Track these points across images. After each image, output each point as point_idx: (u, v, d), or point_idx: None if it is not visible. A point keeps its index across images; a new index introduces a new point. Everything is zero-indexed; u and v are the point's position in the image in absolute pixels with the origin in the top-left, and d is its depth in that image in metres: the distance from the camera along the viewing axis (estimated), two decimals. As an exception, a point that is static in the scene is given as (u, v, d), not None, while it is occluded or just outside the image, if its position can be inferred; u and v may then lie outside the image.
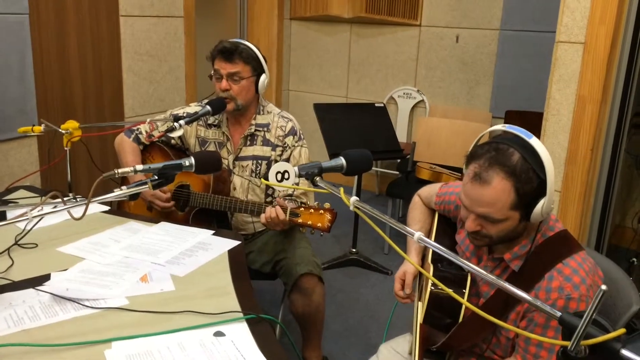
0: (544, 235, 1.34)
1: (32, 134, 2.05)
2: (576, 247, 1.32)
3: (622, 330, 0.74)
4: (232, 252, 1.75)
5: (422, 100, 4.49)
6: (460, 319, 1.36)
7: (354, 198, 1.16)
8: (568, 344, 0.75)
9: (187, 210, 2.20)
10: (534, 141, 1.25)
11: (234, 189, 2.24)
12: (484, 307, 1.37)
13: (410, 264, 1.59)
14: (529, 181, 1.23)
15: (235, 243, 1.81)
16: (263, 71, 2.19)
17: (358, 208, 1.15)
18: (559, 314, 0.79)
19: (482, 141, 1.35)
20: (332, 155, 3.01)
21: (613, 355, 0.73)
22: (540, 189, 1.24)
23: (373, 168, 4.66)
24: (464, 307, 1.36)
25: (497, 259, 1.41)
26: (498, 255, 1.40)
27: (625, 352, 0.72)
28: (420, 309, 1.43)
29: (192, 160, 1.41)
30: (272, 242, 2.21)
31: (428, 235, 1.61)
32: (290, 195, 2.16)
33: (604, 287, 0.71)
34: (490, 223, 1.29)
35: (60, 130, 2.01)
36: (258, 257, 2.24)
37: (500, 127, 1.35)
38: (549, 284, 1.27)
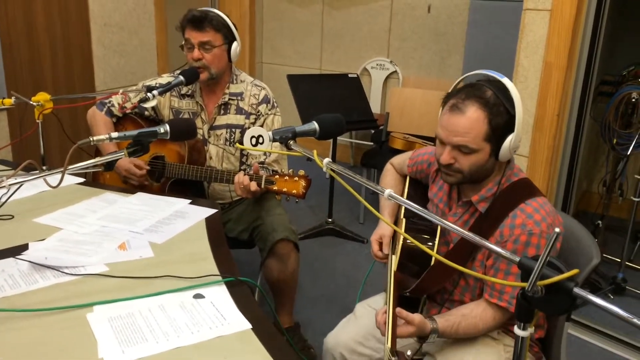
0: (508, 180, 1.45)
1: (3, 107, 2.03)
2: (538, 192, 1.44)
3: (575, 271, 0.79)
4: (209, 220, 1.78)
5: (395, 71, 4.51)
6: (432, 264, 1.45)
7: (327, 160, 1.20)
8: (526, 285, 0.81)
9: (162, 182, 2.21)
10: (505, 80, 1.36)
11: (210, 158, 2.25)
12: (453, 251, 1.48)
13: (385, 226, 1.67)
14: (500, 114, 1.35)
15: (212, 211, 1.84)
16: (234, 39, 2.19)
17: (332, 170, 1.19)
18: (517, 258, 0.84)
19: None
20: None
21: (567, 294, 0.79)
22: (509, 124, 1.35)
23: (347, 139, 4.70)
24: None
25: (466, 203, 1.51)
26: (466, 198, 1.50)
27: (577, 290, 0.77)
28: (394, 261, 1.51)
29: (167, 127, 1.42)
30: (249, 210, 2.24)
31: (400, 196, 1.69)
32: (262, 163, 2.18)
33: (557, 229, 0.77)
34: (463, 155, 1.38)
35: (31, 102, 1.99)
36: (235, 225, 2.27)
37: (476, 72, 1.45)
38: (512, 221, 1.38)
